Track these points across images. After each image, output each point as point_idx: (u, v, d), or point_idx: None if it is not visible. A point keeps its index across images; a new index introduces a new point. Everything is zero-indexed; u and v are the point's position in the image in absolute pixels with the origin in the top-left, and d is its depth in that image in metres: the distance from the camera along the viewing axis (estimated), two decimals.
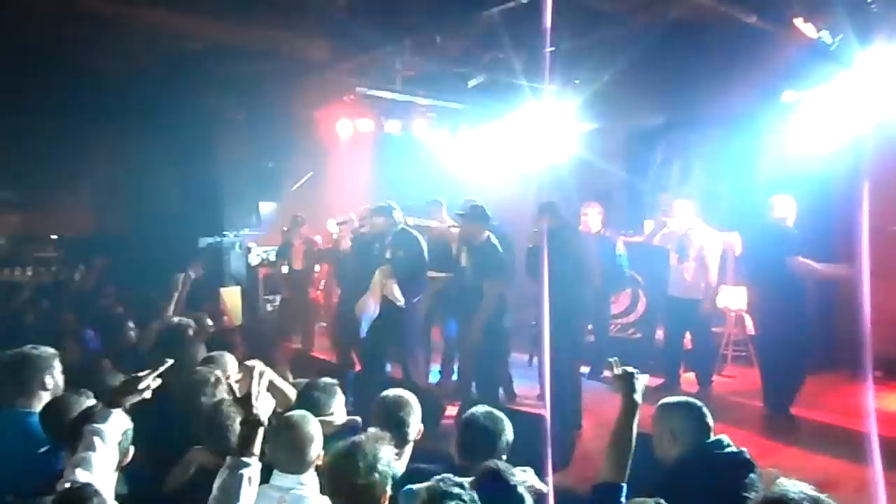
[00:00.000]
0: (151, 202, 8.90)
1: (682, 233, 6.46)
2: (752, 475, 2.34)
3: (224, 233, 8.63)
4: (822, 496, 1.66)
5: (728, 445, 2.44)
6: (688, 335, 6.55)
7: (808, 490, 1.66)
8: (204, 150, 8.38)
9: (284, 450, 2.41)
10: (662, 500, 1.88)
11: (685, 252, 6.38)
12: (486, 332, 5.62)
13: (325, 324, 8.67)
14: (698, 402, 2.61)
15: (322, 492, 2.35)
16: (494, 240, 5.80)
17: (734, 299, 7.02)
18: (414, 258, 6.12)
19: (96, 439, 2.21)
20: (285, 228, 8.36)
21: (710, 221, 7.80)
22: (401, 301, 6.00)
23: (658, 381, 6.50)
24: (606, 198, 8.48)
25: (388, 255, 6.25)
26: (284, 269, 8.17)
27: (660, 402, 2.70)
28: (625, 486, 2.27)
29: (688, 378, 6.51)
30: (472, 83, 7.76)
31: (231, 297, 8.60)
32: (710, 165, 8.33)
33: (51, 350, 3.01)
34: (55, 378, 2.93)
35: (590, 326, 6.55)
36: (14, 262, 9.29)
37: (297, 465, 2.41)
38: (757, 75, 6.82)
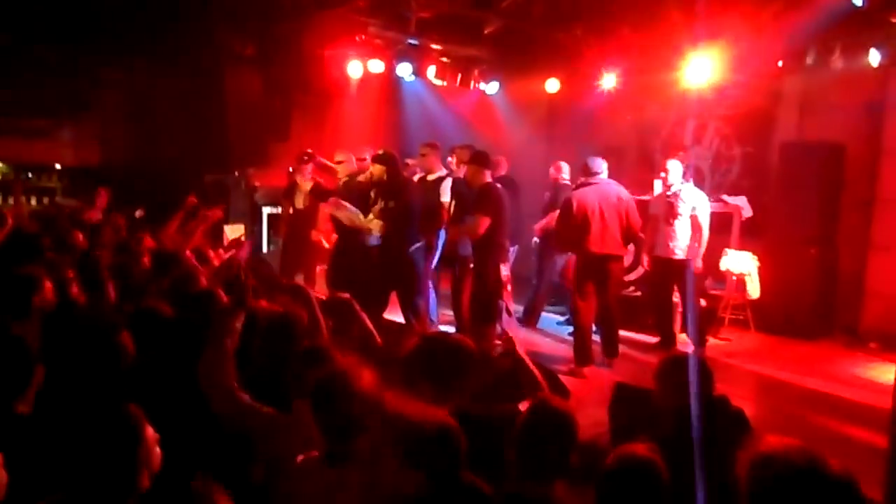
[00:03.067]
0: (157, 135, 8.83)
1: (670, 192, 6.39)
2: (746, 436, 2.38)
3: (230, 169, 8.58)
4: (813, 455, 1.68)
5: (729, 404, 2.48)
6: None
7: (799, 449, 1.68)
8: (211, 85, 8.26)
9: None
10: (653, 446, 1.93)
11: (672, 211, 6.29)
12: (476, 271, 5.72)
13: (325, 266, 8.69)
14: (704, 359, 2.63)
15: None
16: (493, 184, 5.82)
17: (737, 263, 7.02)
18: (407, 208, 6.16)
19: None
20: (291, 169, 8.30)
21: (720, 184, 7.75)
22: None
23: (654, 339, 6.59)
24: (616, 154, 8.42)
25: (381, 205, 6.27)
26: (290, 210, 8.15)
27: (666, 356, 2.72)
28: None
29: (683, 338, 6.57)
30: (487, 29, 7.62)
31: (234, 234, 8.60)
32: (724, 127, 8.25)
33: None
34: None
35: None
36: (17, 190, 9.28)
37: None
38: (775, 36, 6.69)
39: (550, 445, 2.08)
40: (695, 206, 6.28)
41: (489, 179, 5.80)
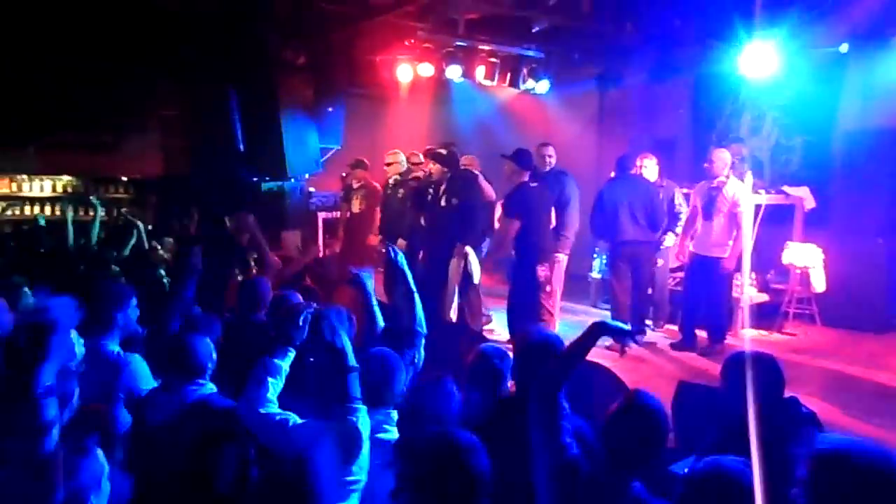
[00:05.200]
0: (215, 145, 9.10)
1: (713, 185, 6.13)
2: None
3: (287, 176, 8.76)
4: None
5: (800, 405, 2.42)
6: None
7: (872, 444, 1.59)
8: (266, 94, 8.46)
9: (374, 381, 2.47)
10: (746, 459, 1.87)
11: (713, 206, 6.06)
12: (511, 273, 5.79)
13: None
14: (772, 356, 2.57)
15: None
16: (530, 183, 5.82)
17: (800, 256, 6.82)
18: (471, 204, 6.20)
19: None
20: (344, 174, 8.45)
21: (781, 175, 7.56)
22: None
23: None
24: (668, 148, 8.28)
25: (443, 203, 6.33)
26: (348, 214, 8.29)
27: (733, 353, 2.66)
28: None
29: (749, 334, 6.42)
30: (536, 27, 7.59)
31: (291, 240, 8.80)
32: (783, 117, 8.01)
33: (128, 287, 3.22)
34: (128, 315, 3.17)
35: None
36: (88, 203, 9.70)
37: (385, 398, 2.49)
38: (835, 22, 6.48)
39: (641, 439, 2.07)
40: (737, 202, 6.04)
41: (525, 179, 5.78)
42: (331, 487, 1.99)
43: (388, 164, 7.58)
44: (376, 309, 3.45)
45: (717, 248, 6.11)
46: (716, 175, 6.11)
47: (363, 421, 2.05)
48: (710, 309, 6.23)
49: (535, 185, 5.86)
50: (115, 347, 3.11)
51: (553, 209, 6.10)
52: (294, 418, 2.41)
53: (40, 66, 8.06)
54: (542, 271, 5.71)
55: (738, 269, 6.31)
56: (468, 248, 6.21)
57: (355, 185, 8.09)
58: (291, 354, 2.49)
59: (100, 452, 1.89)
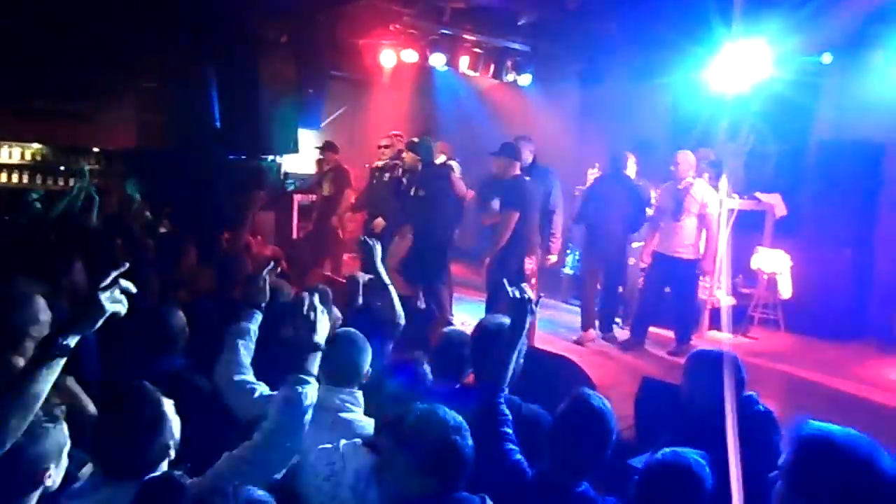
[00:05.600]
0: (192, 120, 8.96)
1: (680, 187, 6.21)
2: (777, 437, 2.37)
3: (262, 156, 8.67)
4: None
5: (758, 403, 2.47)
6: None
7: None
8: (246, 71, 8.35)
9: (339, 361, 2.48)
10: (703, 453, 1.90)
11: (681, 208, 6.13)
12: (498, 263, 5.69)
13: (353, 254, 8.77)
14: (734, 355, 2.62)
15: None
16: (524, 176, 5.85)
17: (769, 262, 6.93)
18: (439, 196, 6.21)
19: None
20: (320, 156, 8.39)
21: (755, 181, 7.66)
22: None
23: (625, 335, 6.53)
24: (649, 149, 8.35)
25: (411, 193, 6.34)
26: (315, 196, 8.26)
27: (694, 352, 2.71)
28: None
29: (657, 335, 6.52)
30: (521, 20, 7.59)
31: (265, 220, 8.72)
32: (759, 124, 8.12)
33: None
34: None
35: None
36: (58, 172, 9.51)
37: (350, 378, 2.50)
38: (812, 32, 6.56)
39: (586, 441, 2.08)
40: (706, 203, 6.13)
41: (518, 172, 5.81)
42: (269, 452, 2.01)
43: (385, 147, 7.55)
44: (384, 274, 3.46)
45: (684, 249, 6.18)
46: (682, 177, 6.19)
47: (310, 394, 2.07)
48: (680, 309, 6.30)
49: (528, 178, 5.89)
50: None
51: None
52: (263, 389, 2.53)
53: (18, 33, 7.86)
54: (528, 263, 5.75)
55: (708, 271, 6.41)
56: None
57: (325, 168, 8.07)
58: (258, 316, 2.72)
59: (65, 426, 1.87)
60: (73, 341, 1.68)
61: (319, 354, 2.13)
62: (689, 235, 6.15)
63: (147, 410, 1.94)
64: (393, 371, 2.47)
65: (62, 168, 9.50)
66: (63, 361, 1.67)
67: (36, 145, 9.56)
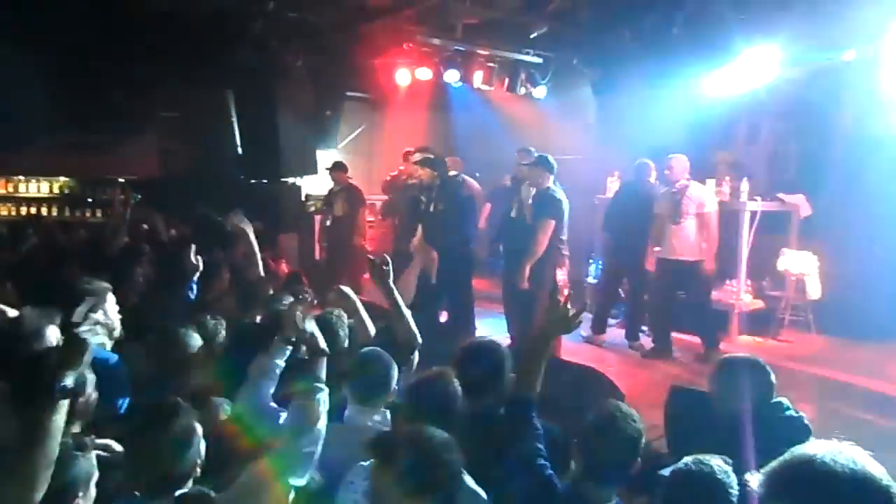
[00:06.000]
0: (212, 147, 9.10)
1: (675, 190, 6.23)
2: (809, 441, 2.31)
3: (283, 179, 8.77)
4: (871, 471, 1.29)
5: (788, 408, 2.42)
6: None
7: (855, 458, 1.30)
8: (264, 97, 8.48)
9: (368, 381, 2.52)
10: (727, 458, 1.87)
11: (679, 210, 6.15)
12: (532, 274, 5.66)
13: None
14: (762, 361, 2.58)
15: None
16: (557, 187, 5.86)
17: (796, 263, 6.83)
18: (457, 211, 6.22)
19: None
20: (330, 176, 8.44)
21: (777, 183, 7.57)
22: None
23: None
24: (665, 154, 8.30)
25: (431, 208, 6.36)
26: (329, 218, 8.29)
27: (724, 358, 2.67)
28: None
29: (684, 342, 6.48)
30: (534, 33, 7.62)
31: (288, 242, 8.80)
32: (779, 125, 8.03)
33: (104, 284, 3.09)
34: (107, 312, 2.99)
35: None
36: (84, 204, 9.70)
37: (378, 396, 2.51)
38: (831, 30, 6.50)
39: (615, 452, 2.07)
40: (703, 203, 6.15)
41: (551, 184, 5.81)
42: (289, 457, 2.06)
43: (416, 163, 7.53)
44: (395, 294, 3.40)
45: (688, 251, 6.16)
46: (676, 179, 6.25)
47: (322, 399, 2.13)
48: (698, 313, 6.26)
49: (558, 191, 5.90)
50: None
51: None
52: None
53: (38, 67, 8.06)
54: (560, 275, 5.77)
55: (728, 274, 6.36)
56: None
57: (336, 189, 8.10)
58: (287, 352, 2.55)
59: (93, 455, 1.90)
60: (70, 381, 1.70)
61: (325, 360, 2.21)
62: (690, 237, 6.15)
63: (182, 427, 1.97)
64: (421, 389, 2.45)
65: (89, 200, 9.68)
66: (67, 401, 1.70)
67: (63, 178, 9.78)
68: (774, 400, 2.47)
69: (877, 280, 6.90)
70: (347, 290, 3.49)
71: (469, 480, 2.07)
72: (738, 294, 6.82)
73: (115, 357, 2.87)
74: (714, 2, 6.71)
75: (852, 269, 6.87)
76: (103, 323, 2.91)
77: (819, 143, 7.69)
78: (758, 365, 2.52)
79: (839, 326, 6.84)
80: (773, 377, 2.52)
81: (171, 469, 1.93)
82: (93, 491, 1.87)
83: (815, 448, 1.33)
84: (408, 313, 3.28)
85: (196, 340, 2.87)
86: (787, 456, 1.39)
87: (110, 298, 3.02)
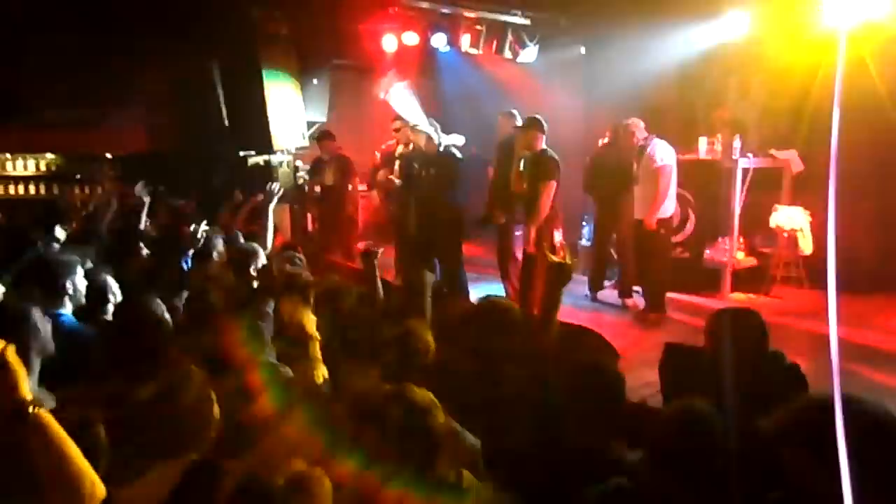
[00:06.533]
0: (200, 119, 8.99)
1: (637, 151, 6.32)
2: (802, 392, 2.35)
3: (272, 150, 8.68)
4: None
5: (784, 360, 2.45)
6: None
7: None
8: (250, 67, 8.35)
9: None
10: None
11: (640, 170, 6.27)
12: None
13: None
14: (757, 312, 2.60)
15: None
16: (550, 150, 5.84)
17: (788, 219, 6.85)
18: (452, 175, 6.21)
19: None
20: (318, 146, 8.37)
21: (769, 139, 7.56)
22: None
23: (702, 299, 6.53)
24: (658, 114, 8.26)
25: (423, 174, 6.37)
26: (318, 188, 8.24)
27: (719, 311, 2.69)
28: None
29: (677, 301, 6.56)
30: None
31: (280, 214, 8.74)
32: (769, 80, 7.99)
33: (74, 257, 3.22)
34: (76, 284, 3.12)
35: None
36: (71, 180, 9.60)
37: None
38: None
39: (599, 403, 2.10)
40: (658, 158, 6.19)
41: (545, 145, 5.79)
42: None
43: (396, 130, 7.50)
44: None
45: (644, 209, 6.21)
46: (637, 141, 6.31)
47: None
48: (644, 273, 6.39)
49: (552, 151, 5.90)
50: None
51: None
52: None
53: (21, 43, 7.92)
54: (557, 236, 5.81)
55: (721, 231, 6.39)
56: None
57: (326, 158, 8.04)
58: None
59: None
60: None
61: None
62: (648, 195, 6.19)
63: (195, 391, 1.98)
64: None
65: (77, 176, 9.58)
66: None
67: (49, 155, 9.67)
68: (770, 351, 2.50)
69: (867, 235, 6.96)
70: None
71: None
72: (732, 251, 6.85)
73: (80, 325, 3.00)
74: None
75: (844, 224, 6.89)
76: (70, 294, 3.04)
77: (809, 99, 7.66)
78: (753, 316, 2.54)
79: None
80: (765, 327, 2.55)
81: (183, 433, 1.94)
82: None
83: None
84: None
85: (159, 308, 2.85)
86: (802, 401, 1.47)
87: (79, 271, 3.15)
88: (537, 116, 5.98)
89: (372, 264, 3.56)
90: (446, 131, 6.85)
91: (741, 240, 6.99)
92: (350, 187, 7.81)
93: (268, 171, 8.93)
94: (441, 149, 6.42)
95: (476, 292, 6.53)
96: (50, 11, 7.50)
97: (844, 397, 1.30)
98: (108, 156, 9.75)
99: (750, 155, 6.87)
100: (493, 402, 2.32)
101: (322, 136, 8.00)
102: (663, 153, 6.24)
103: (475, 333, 2.52)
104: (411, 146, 6.96)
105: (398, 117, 7.70)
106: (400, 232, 7.12)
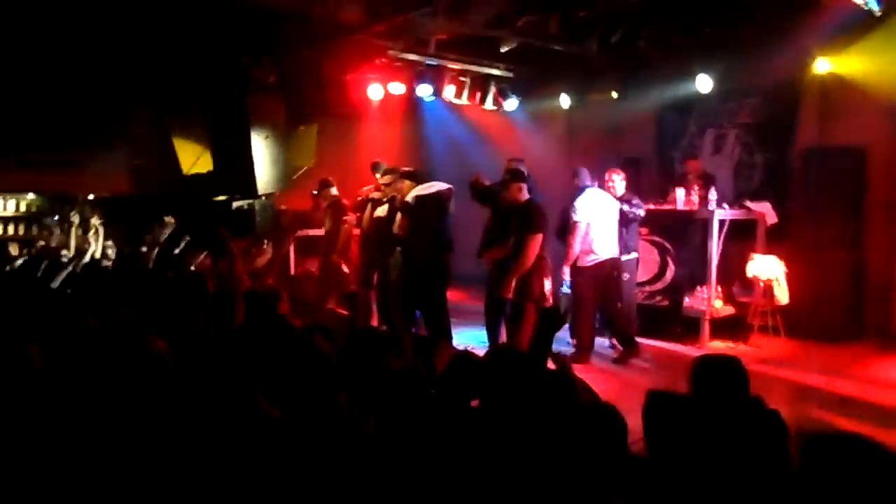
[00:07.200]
0: (185, 164, 9.02)
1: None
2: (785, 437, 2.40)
3: (257, 195, 8.73)
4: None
5: (763, 405, 2.51)
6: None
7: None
8: (237, 113, 8.45)
9: None
10: None
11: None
12: (520, 286, 5.73)
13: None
14: (737, 358, 2.67)
15: None
16: (534, 199, 5.97)
17: (764, 268, 7.00)
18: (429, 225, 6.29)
19: None
20: (315, 192, 8.45)
21: (744, 190, 7.76)
22: None
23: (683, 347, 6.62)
24: (634, 164, 8.48)
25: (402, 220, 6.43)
26: (314, 231, 8.29)
27: (701, 357, 2.75)
28: None
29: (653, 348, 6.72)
30: (505, 48, 7.73)
31: (262, 259, 8.75)
32: (745, 134, 8.27)
33: None
34: None
35: None
36: (50, 222, 9.55)
37: None
38: (794, 42, 6.75)
39: (602, 451, 2.12)
40: (575, 209, 6.36)
41: (528, 195, 5.90)
42: None
43: (386, 185, 7.50)
44: None
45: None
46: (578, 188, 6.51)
47: None
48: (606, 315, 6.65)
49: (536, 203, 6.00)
50: None
51: None
52: None
53: (7, 84, 7.96)
54: (546, 284, 5.85)
55: (699, 280, 6.52)
56: None
57: (324, 205, 8.12)
58: None
59: None
60: None
61: None
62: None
63: None
64: None
65: (56, 218, 9.54)
66: None
67: (31, 196, 9.63)
68: (751, 397, 2.56)
69: (841, 285, 7.14)
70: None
71: None
72: (710, 300, 6.97)
73: None
74: (676, 19, 6.92)
75: (818, 275, 7.08)
76: None
77: (783, 153, 7.93)
78: (734, 363, 2.61)
79: (807, 330, 7.03)
80: (746, 374, 2.61)
81: None
82: None
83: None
84: None
85: None
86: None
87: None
88: (516, 168, 6.10)
89: (356, 307, 3.58)
90: (431, 178, 6.93)
91: (719, 288, 7.12)
92: (340, 233, 7.86)
93: (251, 215, 8.98)
94: (425, 193, 6.48)
95: (458, 339, 6.57)
96: (37, 52, 7.57)
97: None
98: (90, 197, 9.74)
99: (726, 206, 7.05)
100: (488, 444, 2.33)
101: (323, 185, 8.09)
102: (583, 207, 6.35)
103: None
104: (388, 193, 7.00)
105: (377, 164, 7.76)
106: (381, 278, 7.14)
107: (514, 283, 5.73)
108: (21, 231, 9.44)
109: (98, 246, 7.94)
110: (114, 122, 9.17)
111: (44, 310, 3.47)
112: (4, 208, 9.55)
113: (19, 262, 6.03)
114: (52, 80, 8.04)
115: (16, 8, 7.03)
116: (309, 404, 2.41)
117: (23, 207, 9.63)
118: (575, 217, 6.32)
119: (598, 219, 6.39)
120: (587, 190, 6.48)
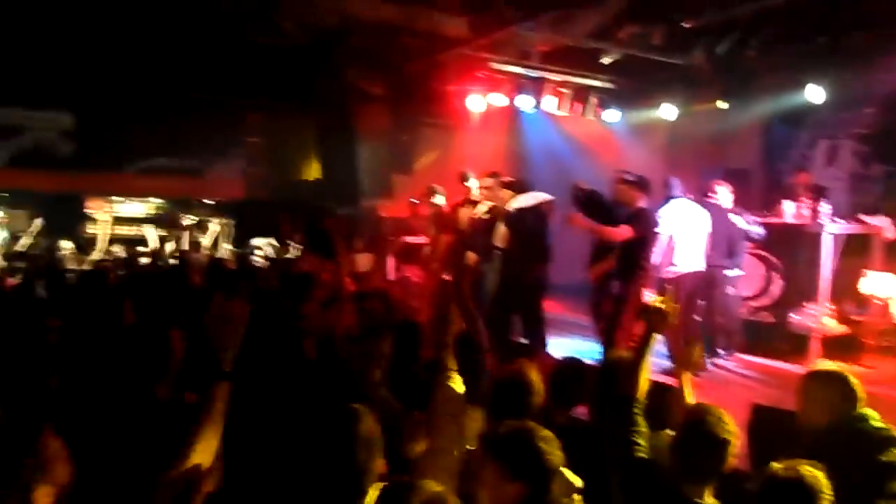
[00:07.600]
0: (294, 171, 9.55)
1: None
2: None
3: (362, 202, 9.11)
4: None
5: (875, 420, 2.46)
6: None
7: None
8: (344, 123, 8.86)
9: None
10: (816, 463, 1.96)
11: None
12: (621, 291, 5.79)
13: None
14: (846, 372, 2.64)
15: None
16: (647, 209, 5.98)
17: (880, 286, 6.66)
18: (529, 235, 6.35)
19: None
20: (414, 200, 8.66)
21: (860, 204, 7.42)
22: None
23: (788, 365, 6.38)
24: (737, 176, 8.24)
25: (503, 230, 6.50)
26: (413, 239, 8.49)
27: (809, 371, 2.73)
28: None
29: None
30: (606, 59, 7.74)
31: (363, 264, 9.09)
32: (860, 146, 7.89)
33: None
34: None
35: None
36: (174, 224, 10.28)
37: None
38: None
39: (705, 455, 2.21)
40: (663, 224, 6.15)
41: (643, 204, 5.91)
42: None
43: (486, 188, 7.60)
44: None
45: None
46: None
47: None
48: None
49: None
50: None
51: None
52: None
53: (135, 98, 8.69)
54: (648, 293, 5.88)
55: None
56: None
57: (427, 212, 8.30)
58: None
59: None
60: None
61: None
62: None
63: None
64: None
65: (182, 220, 10.25)
66: None
67: (154, 200, 10.42)
68: (860, 411, 2.52)
69: None
70: None
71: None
72: (818, 318, 6.69)
73: None
74: (786, 28, 6.71)
75: None
76: None
77: None
78: (841, 377, 2.58)
79: None
80: (855, 389, 2.58)
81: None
82: None
83: None
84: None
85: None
86: None
87: None
88: (642, 176, 6.11)
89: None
90: (531, 188, 7.00)
91: (831, 306, 6.82)
92: (438, 242, 8.00)
93: (354, 222, 9.37)
94: (527, 205, 6.55)
95: (555, 349, 6.61)
96: (166, 67, 8.21)
97: None
98: (209, 202, 10.45)
99: (838, 220, 6.76)
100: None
101: (430, 192, 8.19)
102: (667, 218, 6.20)
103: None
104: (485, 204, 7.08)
105: (465, 174, 7.78)
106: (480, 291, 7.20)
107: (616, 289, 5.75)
108: (149, 232, 10.20)
109: (218, 247, 8.49)
110: (230, 133, 9.83)
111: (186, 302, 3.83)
112: (133, 211, 10.36)
113: (171, 261, 6.57)
114: (176, 95, 8.71)
115: (144, 29, 7.68)
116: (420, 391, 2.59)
117: (151, 210, 10.41)
118: (657, 228, 6.24)
119: (683, 230, 6.28)
120: (674, 200, 6.38)
